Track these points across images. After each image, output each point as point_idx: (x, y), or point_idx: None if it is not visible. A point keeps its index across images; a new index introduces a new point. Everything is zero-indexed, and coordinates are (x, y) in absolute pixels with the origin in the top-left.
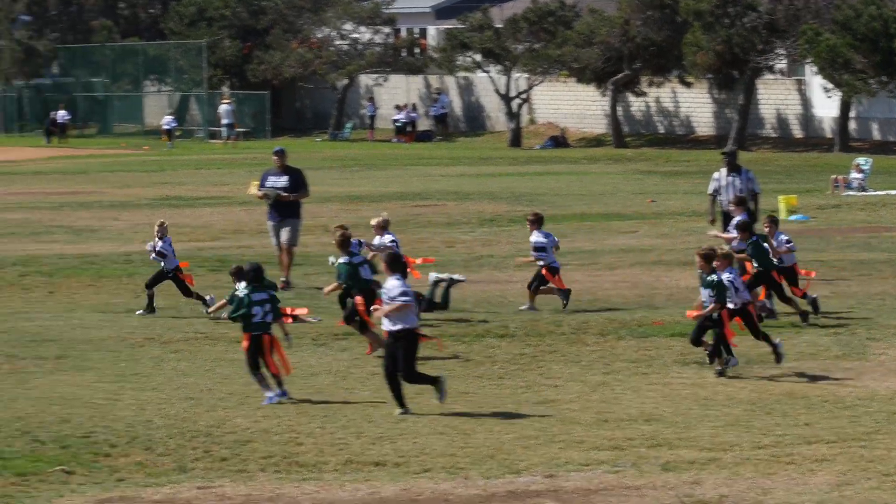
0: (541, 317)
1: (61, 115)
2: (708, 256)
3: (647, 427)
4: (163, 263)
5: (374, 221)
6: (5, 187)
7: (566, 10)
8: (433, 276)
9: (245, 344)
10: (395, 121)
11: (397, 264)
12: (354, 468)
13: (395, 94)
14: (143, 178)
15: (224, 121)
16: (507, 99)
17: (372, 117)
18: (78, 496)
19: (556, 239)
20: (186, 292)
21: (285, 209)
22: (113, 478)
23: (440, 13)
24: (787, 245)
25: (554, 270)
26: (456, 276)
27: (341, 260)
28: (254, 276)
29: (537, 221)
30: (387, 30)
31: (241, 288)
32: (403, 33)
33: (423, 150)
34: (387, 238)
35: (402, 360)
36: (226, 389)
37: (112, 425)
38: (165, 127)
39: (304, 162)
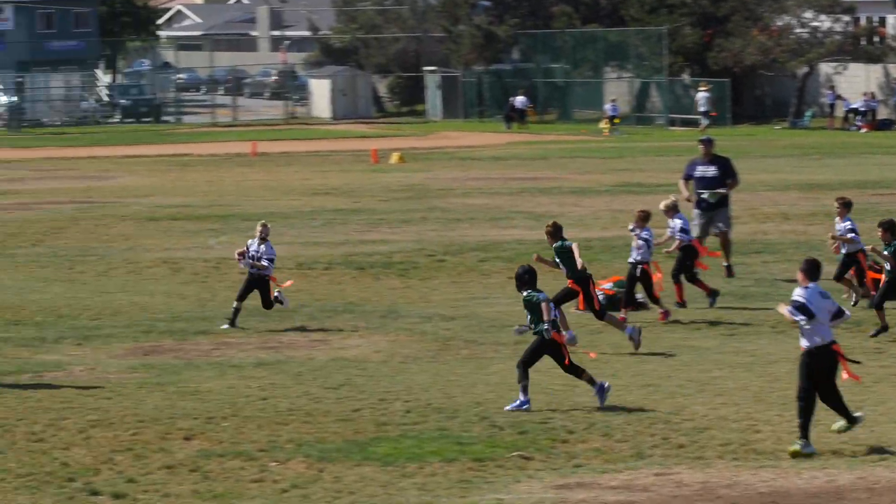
0: None
1: (520, 100)
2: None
3: None
4: (252, 269)
5: (662, 205)
6: (465, 172)
7: None
8: None
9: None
10: (852, 109)
11: (813, 272)
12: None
13: (855, 83)
14: (603, 165)
15: (701, 108)
16: None
17: (832, 105)
18: (535, 482)
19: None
20: (267, 305)
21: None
22: (570, 464)
23: None
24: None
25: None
26: None
27: (555, 245)
28: (528, 278)
29: (847, 206)
30: (846, 18)
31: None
32: (863, 21)
33: (882, 138)
34: (677, 222)
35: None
36: (684, 376)
37: (570, 411)
38: (610, 113)
39: (764, 149)
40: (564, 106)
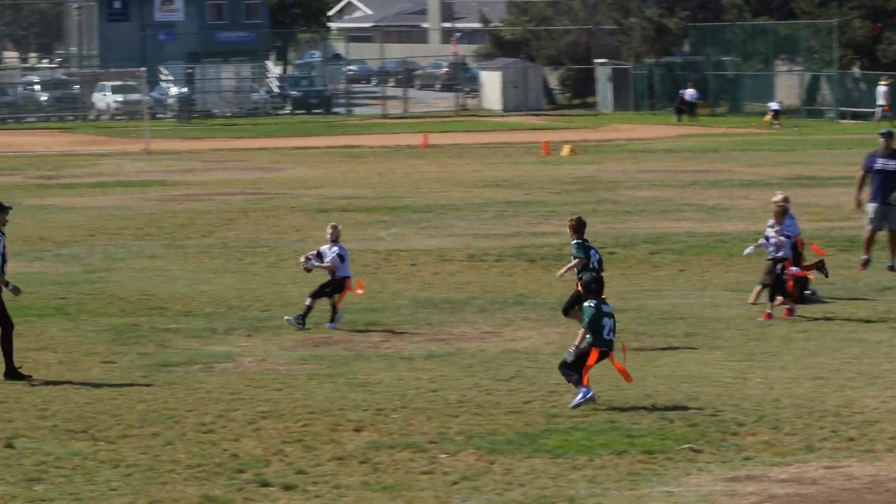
0: None
1: (690, 93)
2: None
3: None
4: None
5: (777, 198)
6: (636, 165)
7: None
8: None
9: (592, 359)
10: None
11: None
12: None
13: None
14: (773, 158)
15: (879, 101)
16: None
17: None
18: (705, 474)
19: None
20: (328, 294)
21: (893, 191)
22: (740, 456)
23: None
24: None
25: None
26: None
27: (574, 241)
28: (595, 287)
29: None
30: None
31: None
32: None
33: None
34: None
35: None
36: (854, 369)
37: (740, 404)
38: (773, 107)
39: None
40: (735, 99)
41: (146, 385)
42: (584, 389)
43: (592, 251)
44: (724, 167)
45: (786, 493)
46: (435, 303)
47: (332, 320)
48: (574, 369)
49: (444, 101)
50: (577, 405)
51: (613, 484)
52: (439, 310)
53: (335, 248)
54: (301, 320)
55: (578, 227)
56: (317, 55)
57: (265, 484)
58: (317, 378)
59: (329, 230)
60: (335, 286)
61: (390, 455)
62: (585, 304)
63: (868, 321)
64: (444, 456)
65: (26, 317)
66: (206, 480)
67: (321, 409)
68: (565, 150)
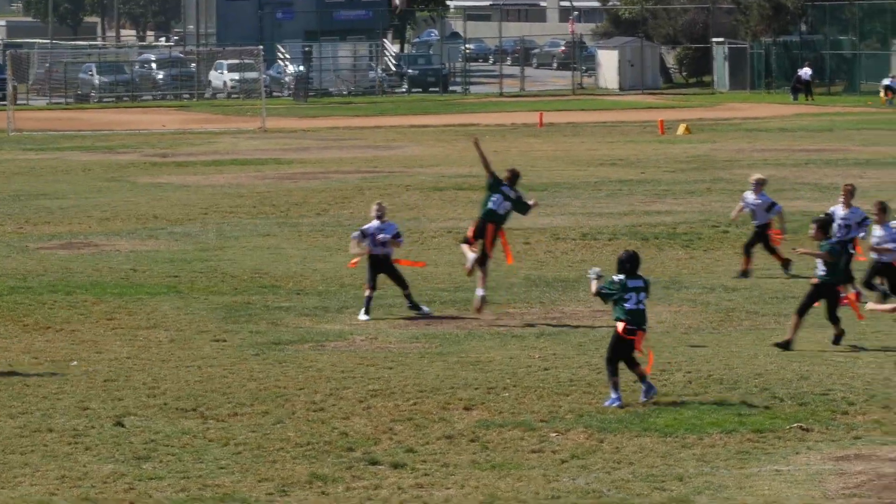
0: None
1: (805, 72)
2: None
3: None
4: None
5: (752, 178)
6: (751, 144)
7: None
8: None
9: (619, 329)
10: None
11: None
12: None
13: None
14: (889, 137)
15: None
16: None
17: None
18: (814, 453)
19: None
20: (401, 283)
21: None
22: (849, 435)
23: None
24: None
25: None
26: None
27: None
28: (630, 266)
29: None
30: None
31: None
32: None
33: None
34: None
35: None
36: None
37: (850, 383)
38: (886, 83)
39: None
40: (851, 78)
41: (257, 363)
42: (614, 396)
43: (495, 196)
44: (840, 146)
45: (895, 473)
46: (548, 281)
47: (417, 307)
48: (613, 362)
49: (560, 80)
50: (608, 406)
51: (722, 463)
52: (552, 288)
53: (384, 226)
54: (413, 306)
55: (511, 177)
56: (434, 34)
57: (374, 462)
58: (428, 356)
59: (374, 207)
60: (383, 266)
61: (500, 434)
62: (614, 276)
63: None
64: (554, 435)
65: (138, 295)
66: (316, 459)
67: (432, 387)
68: (681, 128)
